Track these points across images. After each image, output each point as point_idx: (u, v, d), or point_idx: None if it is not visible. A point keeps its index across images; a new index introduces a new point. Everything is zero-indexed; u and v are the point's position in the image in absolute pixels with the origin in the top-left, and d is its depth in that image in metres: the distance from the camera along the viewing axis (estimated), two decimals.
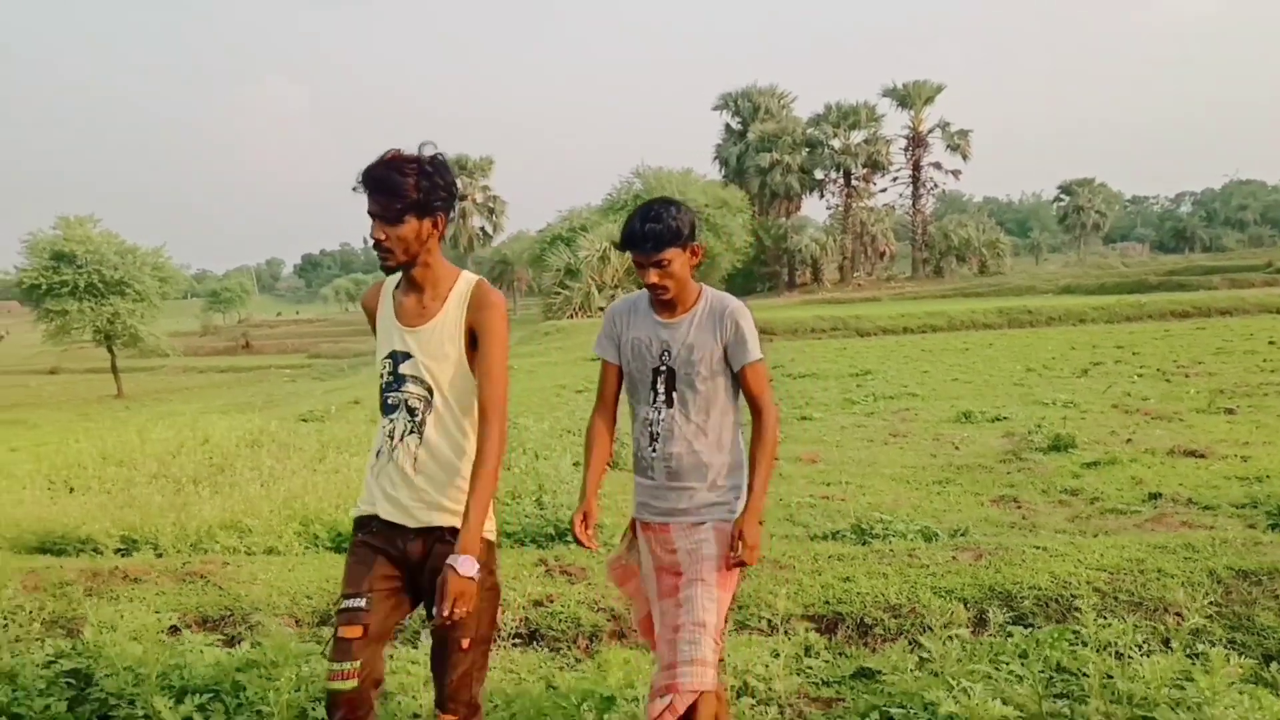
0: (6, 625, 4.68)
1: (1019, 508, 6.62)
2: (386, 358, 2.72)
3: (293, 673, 3.60)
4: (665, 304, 2.93)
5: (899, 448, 9.22)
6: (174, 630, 4.58)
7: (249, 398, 23.58)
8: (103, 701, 3.93)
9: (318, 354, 48.31)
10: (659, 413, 2.93)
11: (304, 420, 13.17)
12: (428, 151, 2.58)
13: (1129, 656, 3.54)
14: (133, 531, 6.37)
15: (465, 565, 2.50)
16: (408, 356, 2.68)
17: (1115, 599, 4.27)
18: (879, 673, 3.92)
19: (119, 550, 6.31)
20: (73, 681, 4.08)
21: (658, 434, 2.93)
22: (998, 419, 10.41)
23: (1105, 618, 3.95)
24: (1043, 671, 3.54)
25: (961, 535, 5.68)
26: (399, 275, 2.73)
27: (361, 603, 2.62)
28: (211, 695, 3.73)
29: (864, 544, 5.55)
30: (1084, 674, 3.49)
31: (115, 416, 20.62)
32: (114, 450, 9.54)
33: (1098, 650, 3.60)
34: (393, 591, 2.69)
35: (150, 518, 6.43)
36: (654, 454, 2.94)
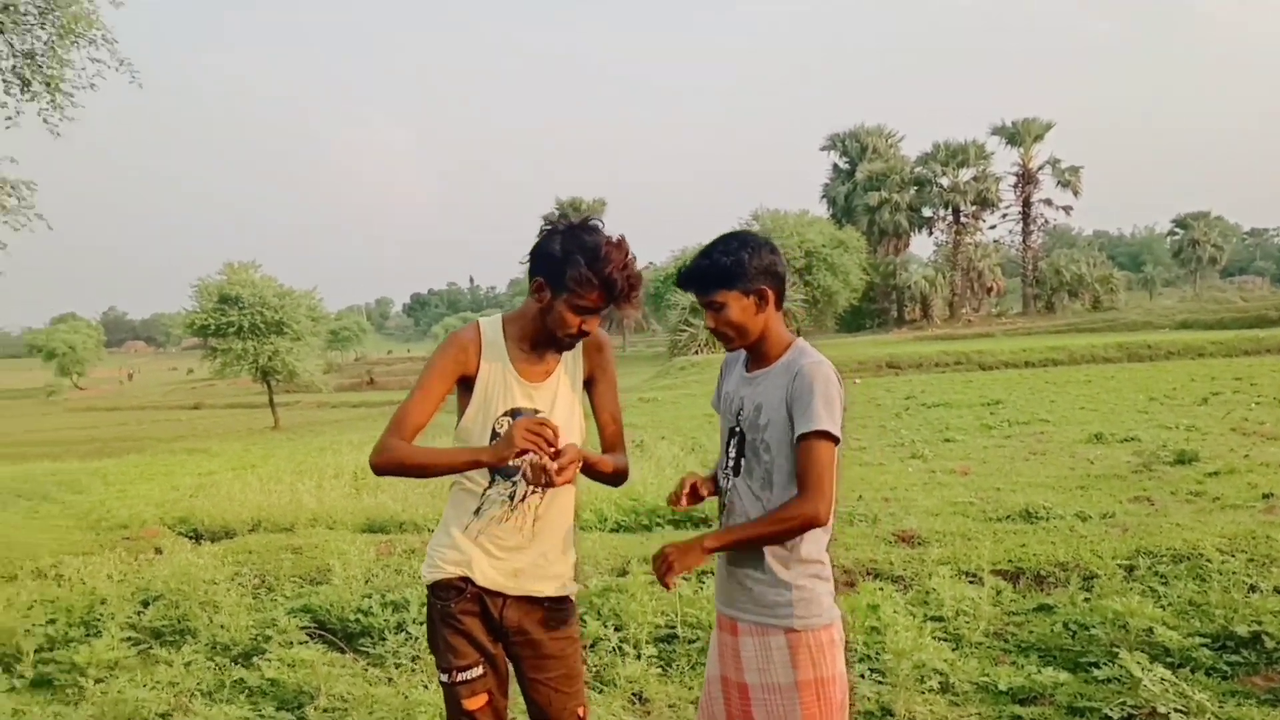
0: (400, 571, 6.57)
1: (1152, 504, 8.03)
2: (506, 415, 2.53)
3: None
4: (752, 355, 2.57)
5: (1039, 463, 10.62)
6: None
7: None
8: None
9: None
10: (728, 480, 2.55)
11: None
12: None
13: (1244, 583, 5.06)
14: None
15: None
16: (535, 415, 2.53)
17: (1232, 555, 5.72)
18: (1054, 607, 5.47)
19: (430, 530, 8.19)
20: None
21: (723, 504, 2.60)
22: (1127, 439, 11.67)
23: (1227, 562, 5.46)
24: (1180, 596, 5.10)
25: (1110, 517, 7.17)
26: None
27: (480, 671, 2.51)
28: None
29: (1031, 524, 7.07)
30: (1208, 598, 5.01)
31: (303, 444, 22.68)
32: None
33: (1219, 584, 5.13)
34: (501, 660, 2.60)
35: None
36: (722, 529, 2.59)
